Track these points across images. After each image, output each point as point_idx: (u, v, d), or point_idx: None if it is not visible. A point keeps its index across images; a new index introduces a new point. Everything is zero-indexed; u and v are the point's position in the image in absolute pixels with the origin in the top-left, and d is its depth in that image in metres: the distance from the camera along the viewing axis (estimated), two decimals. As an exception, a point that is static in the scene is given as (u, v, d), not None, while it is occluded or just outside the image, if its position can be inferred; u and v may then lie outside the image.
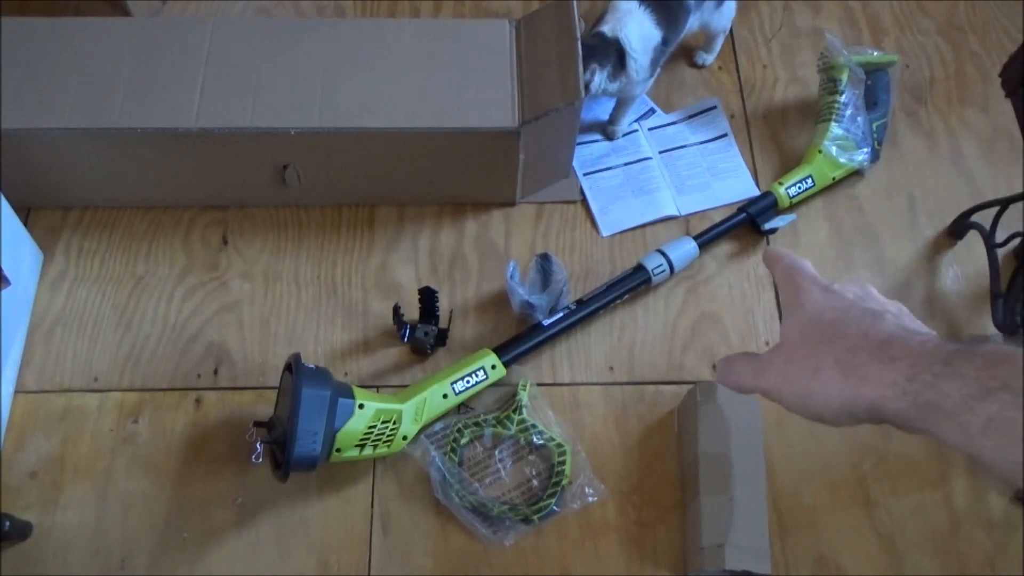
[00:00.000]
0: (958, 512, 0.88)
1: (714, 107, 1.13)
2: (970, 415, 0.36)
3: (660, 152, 1.10)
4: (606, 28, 0.97)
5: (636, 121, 1.12)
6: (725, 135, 1.11)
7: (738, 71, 1.17)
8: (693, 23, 1.05)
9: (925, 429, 0.39)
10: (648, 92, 1.13)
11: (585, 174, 1.07)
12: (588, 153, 1.09)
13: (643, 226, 1.04)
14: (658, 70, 1.04)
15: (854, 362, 0.41)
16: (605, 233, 1.03)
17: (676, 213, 1.05)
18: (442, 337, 0.94)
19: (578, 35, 0.94)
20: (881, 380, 0.40)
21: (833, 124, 1.05)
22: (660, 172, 1.08)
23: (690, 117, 1.13)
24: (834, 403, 0.42)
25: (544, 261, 0.95)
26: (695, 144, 1.11)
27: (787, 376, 0.45)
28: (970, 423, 0.36)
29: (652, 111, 1.13)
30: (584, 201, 1.05)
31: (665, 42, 1.00)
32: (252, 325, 0.96)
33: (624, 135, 1.11)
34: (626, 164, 1.09)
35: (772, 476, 0.88)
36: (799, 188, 1.03)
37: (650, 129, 1.12)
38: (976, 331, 0.98)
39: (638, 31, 0.98)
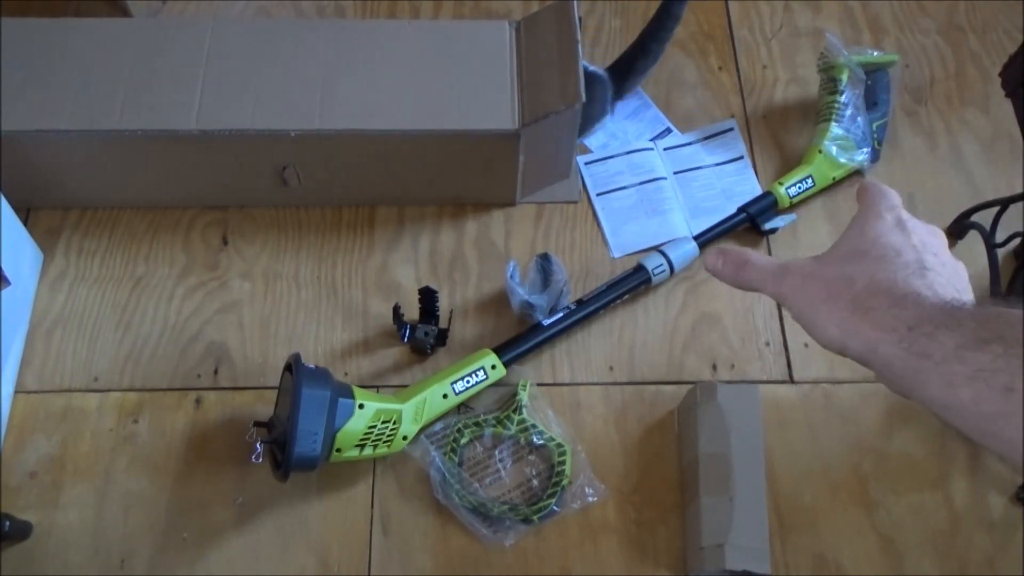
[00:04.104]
0: (958, 512, 0.88)
1: (731, 129, 1.12)
2: (960, 365, 0.36)
3: (675, 173, 1.09)
4: None
5: (651, 140, 1.11)
6: (741, 157, 1.10)
7: (738, 71, 1.17)
8: None
9: (909, 381, 0.39)
10: (650, 93, 1.13)
11: (598, 194, 1.06)
12: (603, 171, 1.08)
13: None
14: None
15: (868, 304, 0.42)
16: (616, 254, 1.02)
17: (688, 235, 1.03)
18: (442, 337, 0.94)
19: (578, 37, 0.94)
20: (883, 324, 0.40)
21: (833, 124, 1.05)
22: (674, 193, 1.07)
23: (706, 138, 1.11)
24: (832, 332, 0.43)
25: (544, 261, 0.95)
26: (711, 166, 1.09)
27: (804, 289, 0.45)
28: (956, 373, 0.36)
29: (668, 131, 1.11)
30: (591, 204, 1.05)
31: None
32: (252, 325, 0.96)
33: (639, 151, 1.09)
34: (640, 183, 1.07)
35: (772, 476, 0.88)
36: (799, 188, 1.03)
37: (665, 149, 1.10)
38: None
39: None
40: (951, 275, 0.43)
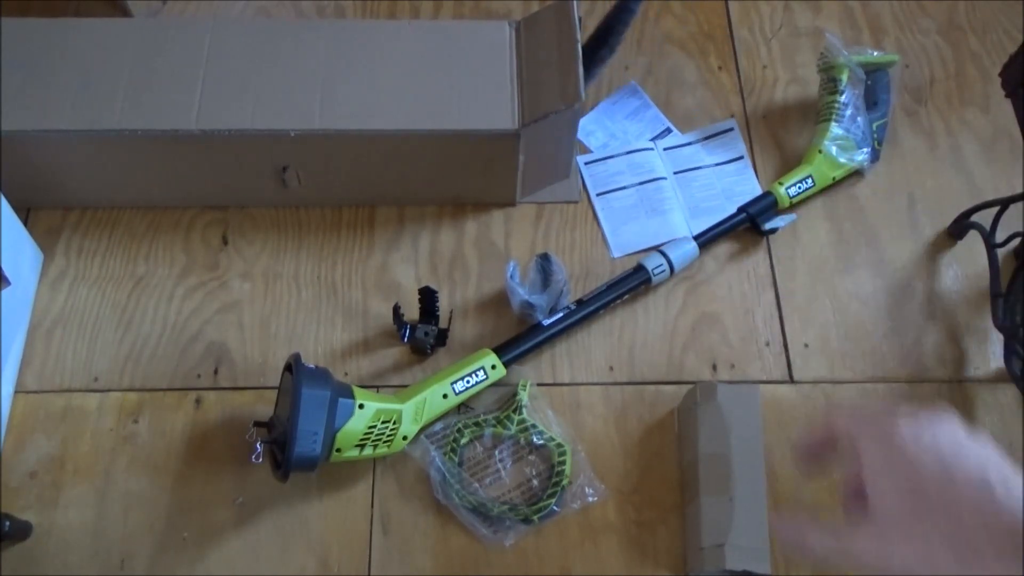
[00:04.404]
0: (958, 512, 0.88)
1: (731, 129, 1.12)
2: None
3: (675, 173, 1.08)
4: None
5: (651, 140, 1.11)
6: (741, 157, 1.10)
7: (738, 71, 1.17)
8: None
9: None
10: (650, 93, 1.13)
11: (598, 194, 1.06)
12: (603, 171, 1.08)
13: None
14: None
15: (970, 544, 0.39)
16: (616, 254, 1.02)
17: (688, 235, 1.03)
18: (442, 337, 0.94)
19: (578, 37, 0.94)
20: (1003, 568, 0.38)
21: (833, 124, 1.05)
22: (674, 193, 1.07)
23: (706, 138, 1.11)
24: None
25: (544, 261, 0.95)
26: (711, 166, 1.09)
27: (888, 552, 0.42)
28: None
29: (668, 131, 1.11)
30: (591, 204, 1.05)
31: None
32: (252, 325, 0.96)
33: (639, 151, 1.09)
34: (640, 183, 1.07)
35: (772, 476, 0.88)
36: (799, 188, 1.03)
37: (665, 149, 1.10)
38: (976, 331, 0.98)
39: None
40: (971, 449, 0.41)
